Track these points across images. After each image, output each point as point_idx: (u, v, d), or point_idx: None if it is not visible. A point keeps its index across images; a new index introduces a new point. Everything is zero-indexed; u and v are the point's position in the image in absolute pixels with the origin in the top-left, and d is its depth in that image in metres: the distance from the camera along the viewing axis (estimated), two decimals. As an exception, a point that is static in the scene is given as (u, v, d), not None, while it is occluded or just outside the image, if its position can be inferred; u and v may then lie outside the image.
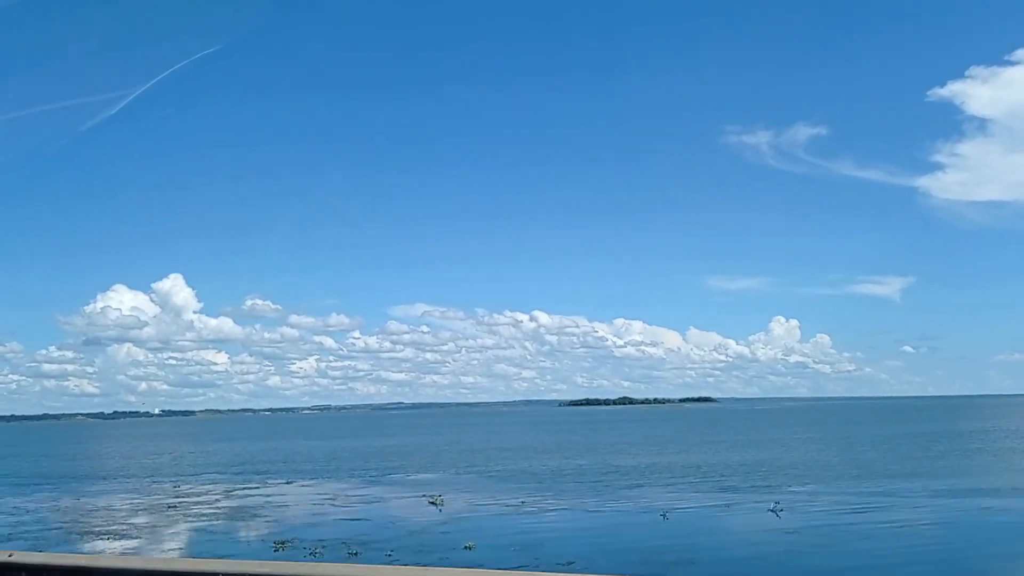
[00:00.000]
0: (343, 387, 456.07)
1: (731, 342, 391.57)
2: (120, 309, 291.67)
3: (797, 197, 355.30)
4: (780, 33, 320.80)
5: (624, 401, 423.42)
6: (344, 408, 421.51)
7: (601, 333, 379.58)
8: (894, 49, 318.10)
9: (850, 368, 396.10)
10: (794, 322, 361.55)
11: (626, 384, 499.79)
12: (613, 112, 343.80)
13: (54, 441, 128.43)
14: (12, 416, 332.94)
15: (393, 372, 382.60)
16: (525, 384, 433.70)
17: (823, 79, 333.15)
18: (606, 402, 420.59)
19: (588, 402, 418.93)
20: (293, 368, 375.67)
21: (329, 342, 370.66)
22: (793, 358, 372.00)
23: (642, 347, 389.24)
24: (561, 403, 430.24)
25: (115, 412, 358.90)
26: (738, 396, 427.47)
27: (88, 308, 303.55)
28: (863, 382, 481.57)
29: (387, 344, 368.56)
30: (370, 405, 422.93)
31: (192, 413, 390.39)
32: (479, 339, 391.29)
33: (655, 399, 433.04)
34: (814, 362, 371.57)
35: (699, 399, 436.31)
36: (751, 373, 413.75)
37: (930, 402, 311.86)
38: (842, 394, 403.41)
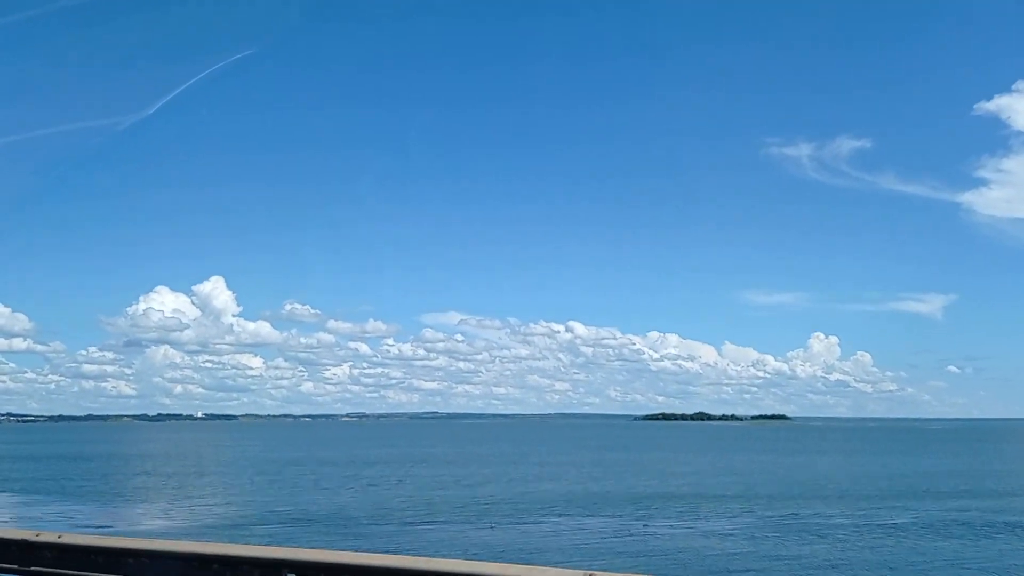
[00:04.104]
0: (375, 395, 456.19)
1: (769, 358, 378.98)
2: (162, 311, 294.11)
3: (838, 211, 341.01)
4: (822, 45, 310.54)
5: (700, 417, 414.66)
6: (381, 416, 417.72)
7: (637, 346, 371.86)
8: (940, 61, 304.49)
9: (892, 388, 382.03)
10: (834, 339, 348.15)
11: (660, 399, 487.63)
12: (652, 125, 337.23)
13: (204, 443, 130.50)
14: (60, 416, 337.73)
15: (425, 381, 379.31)
16: (557, 396, 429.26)
17: (867, 91, 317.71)
18: (682, 417, 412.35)
19: (664, 416, 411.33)
20: (327, 374, 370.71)
21: (364, 348, 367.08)
22: (834, 376, 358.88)
23: (678, 361, 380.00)
24: (636, 418, 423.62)
25: (158, 415, 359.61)
26: (769, 413, 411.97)
27: (131, 309, 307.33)
28: (905, 403, 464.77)
29: (421, 352, 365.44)
30: (406, 414, 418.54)
31: (234, 418, 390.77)
32: (513, 349, 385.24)
33: (731, 415, 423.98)
34: (855, 381, 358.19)
35: (772, 416, 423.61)
36: (789, 391, 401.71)
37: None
38: (883, 415, 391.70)
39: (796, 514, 38.94)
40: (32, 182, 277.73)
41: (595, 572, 4.62)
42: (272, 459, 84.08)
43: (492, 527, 34.41)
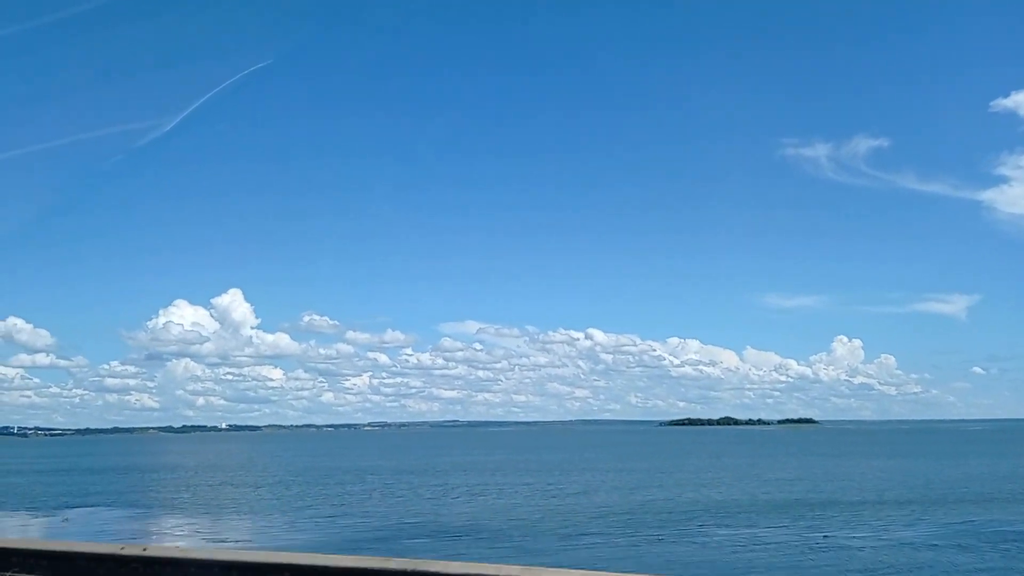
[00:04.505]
0: (395, 404, 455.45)
1: (792, 362, 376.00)
2: (182, 324, 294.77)
3: (857, 212, 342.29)
4: (837, 44, 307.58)
5: (727, 421, 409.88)
6: (403, 425, 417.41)
7: (658, 352, 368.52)
8: (957, 58, 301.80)
9: (916, 390, 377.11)
10: (857, 342, 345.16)
11: (682, 404, 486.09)
12: (668, 128, 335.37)
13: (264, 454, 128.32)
14: (87, 429, 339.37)
15: (445, 390, 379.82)
16: (577, 403, 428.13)
17: (883, 90, 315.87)
18: (708, 422, 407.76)
19: (690, 422, 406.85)
20: (347, 384, 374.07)
21: (383, 358, 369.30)
22: (858, 379, 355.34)
23: (699, 367, 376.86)
24: (661, 423, 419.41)
25: (183, 426, 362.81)
26: (794, 417, 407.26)
27: (151, 323, 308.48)
28: (930, 405, 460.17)
29: (439, 361, 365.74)
30: (427, 423, 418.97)
31: (258, 428, 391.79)
32: (532, 357, 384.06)
33: (758, 420, 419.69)
34: (879, 383, 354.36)
35: (799, 420, 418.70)
36: (812, 395, 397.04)
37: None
38: (907, 417, 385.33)
39: (972, 520, 35.91)
40: (53, 197, 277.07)
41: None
42: (340, 468, 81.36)
43: (660, 539, 31.51)
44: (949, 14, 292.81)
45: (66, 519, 40.35)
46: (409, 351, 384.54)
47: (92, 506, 47.14)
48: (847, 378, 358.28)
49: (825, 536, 32.25)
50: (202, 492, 56.12)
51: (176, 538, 33.07)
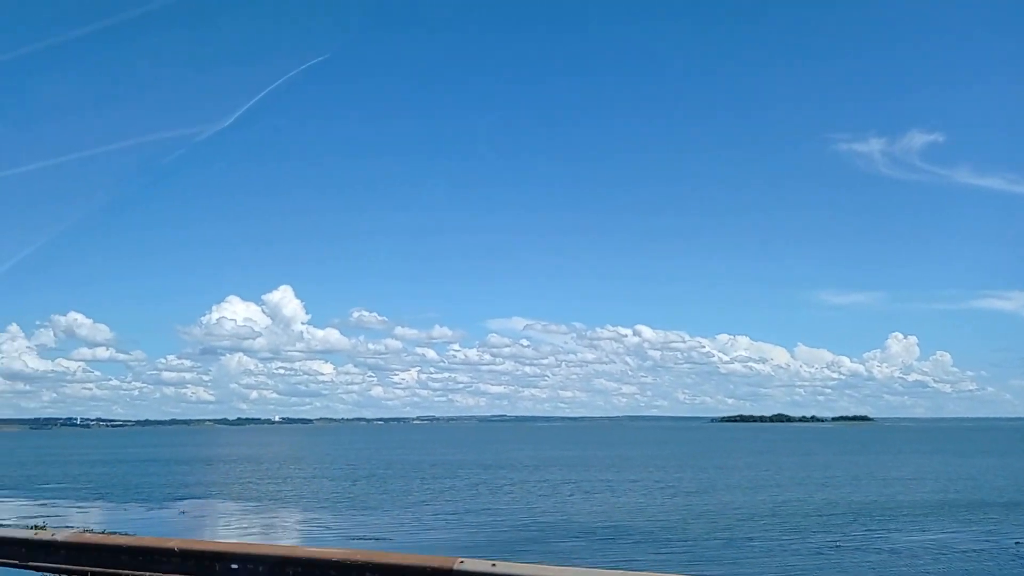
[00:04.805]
0: (443, 399, 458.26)
1: (845, 359, 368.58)
2: (235, 320, 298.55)
3: (912, 207, 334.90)
4: (890, 38, 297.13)
5: (779, 418, 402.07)
6: (451, 419, 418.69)
7: (707, 349, 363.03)
8: (1012, 49, 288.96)
9: (972, 387, 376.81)
10: (912, 339, 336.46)
11: (730, 401, 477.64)
12: (719, 125, 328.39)
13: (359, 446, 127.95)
14: (146, 421, 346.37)
15: (492, 385, 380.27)
16: (624, 400, 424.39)
17: (938, 82, 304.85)
18: (760, 419, 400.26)
19: (742, 418, 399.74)
20: (395, 379, 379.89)
21: (431, 354, 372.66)
22: (912, 377, 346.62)
23: (749, 363, 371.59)
24: (713, 419, 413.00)
25: (238, 419, 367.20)
26: (847, 415, 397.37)
27: (204, 319, 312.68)
28: (985, 402, 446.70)
29: (487, 357, 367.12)
30: (475, 417, 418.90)
31: (310, 421, 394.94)
32: (579, 353, 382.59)
33: (812, 417, 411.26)
34: (934, 381, 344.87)
35: (854, 418, 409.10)
36: (865, 392, 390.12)
37: None
38: (962, 414, 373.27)
39: None
40: (114, 194, 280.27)
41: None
42: (425, 462, 79.73)
43: (838, 545, 28.91)
44: (1002, 7, 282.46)
45: (183, 511, 39.13)
46: (456, 347, 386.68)
47: (200, 498, 45.98)
48: (901, 375, 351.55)
49: (1017, 543, 29.38)
50: (300, 485, 54.80)
51: (315, 534, 31.42)
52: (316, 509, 39.94)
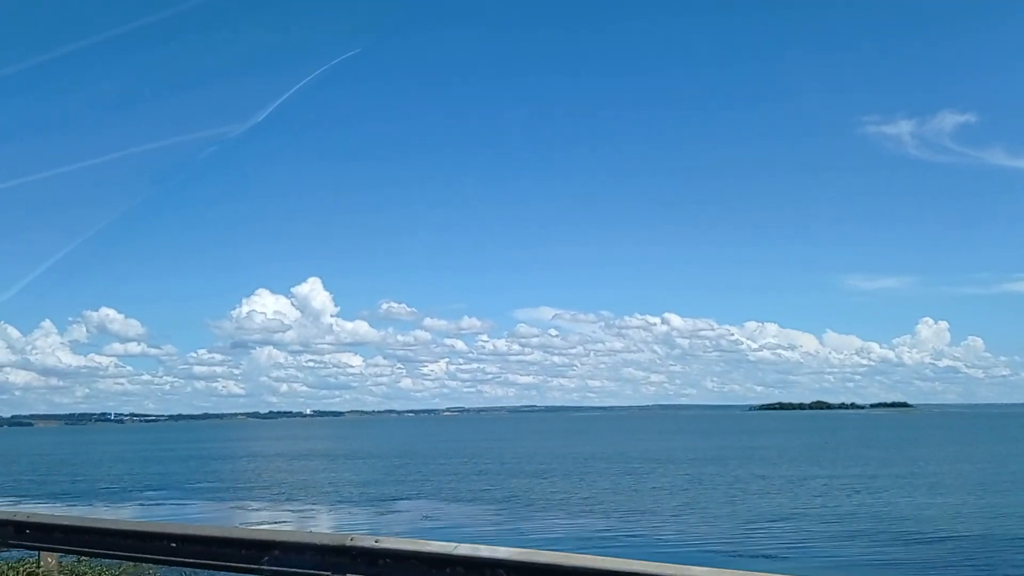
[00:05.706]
0: (472, 390, 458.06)
1: (874, 345, 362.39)
2: (264, 313, 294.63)
3: (943, 190, 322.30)
4: (918, 17, 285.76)
5: (819, 406, 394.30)
6: (481, 410, 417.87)
7: (735, 336, 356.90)
8: None
9: (1005, 373, 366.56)
10: (944, 324, 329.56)
11: (759, 389, 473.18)
12: (746, 114, 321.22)
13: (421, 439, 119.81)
14: (179, 415, 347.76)
15: (521, 375, 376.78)
16: (653, 388, 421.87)
17: (970, 61, 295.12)
18: (799, 406, 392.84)
19: (780, 406, 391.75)
20: (425, 371, 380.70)
21: (460, 345, 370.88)
22: (943, 362, 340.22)
23: (777, 351, 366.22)
24: (751, 407, 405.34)
25: (269, 412, 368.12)
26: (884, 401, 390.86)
27: (234, 312, 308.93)
28: (1018, 388, 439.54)
29: (515, 347, 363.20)
30: (504, 408, 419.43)
31: (340, 414, 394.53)
32: (607, 342, 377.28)
33: (851, 404, 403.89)
34: (966, 366, 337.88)
35: (892, 404, 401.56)
36: (895, 378, 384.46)
37: None
38: (995, 400, 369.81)
39: None
40: (149, 192, 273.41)
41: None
42: (512, 453, 71.73)
43: None
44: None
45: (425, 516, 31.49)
46: (485, 337, 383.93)
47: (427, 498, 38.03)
48: (932, 361, 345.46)
49: None
50: (389, 478, 46.17)
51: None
52: (585, 515, 31.62)
